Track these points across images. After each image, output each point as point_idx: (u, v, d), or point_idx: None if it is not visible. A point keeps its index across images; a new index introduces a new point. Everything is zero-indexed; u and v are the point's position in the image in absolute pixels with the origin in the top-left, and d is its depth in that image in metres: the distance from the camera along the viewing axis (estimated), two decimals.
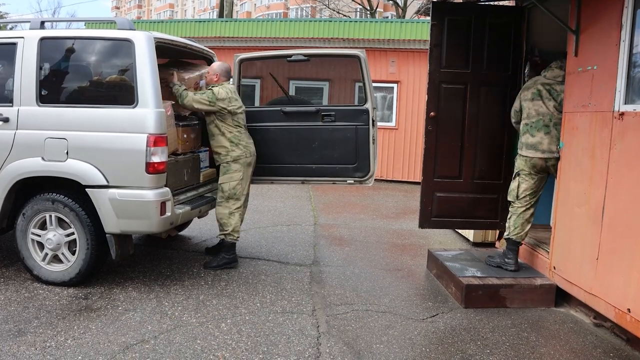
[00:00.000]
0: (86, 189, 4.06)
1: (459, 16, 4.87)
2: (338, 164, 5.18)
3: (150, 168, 4.01)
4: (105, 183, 4.04)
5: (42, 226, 4.24)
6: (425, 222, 5.12)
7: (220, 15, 15.93)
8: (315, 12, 29.05)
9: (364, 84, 5.04)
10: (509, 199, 4.59)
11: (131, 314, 3.76)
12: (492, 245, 5.74)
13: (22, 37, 4.23)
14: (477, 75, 4.91)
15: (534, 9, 4.93)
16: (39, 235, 4.23)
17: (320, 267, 5.07)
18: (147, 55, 4.05)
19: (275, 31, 11.30)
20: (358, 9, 28.30)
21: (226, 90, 4.71)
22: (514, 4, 5.23)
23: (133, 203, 4.03)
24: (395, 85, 11.18)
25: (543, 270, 4.51)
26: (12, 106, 4.19)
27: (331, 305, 4.11)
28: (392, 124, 11.31)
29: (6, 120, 4.18)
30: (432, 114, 4.92)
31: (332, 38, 11.16)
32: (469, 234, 6.02)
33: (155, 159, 4.02)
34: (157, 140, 4.03)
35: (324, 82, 10.08)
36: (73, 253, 4.19)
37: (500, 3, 5.40)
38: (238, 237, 4.94)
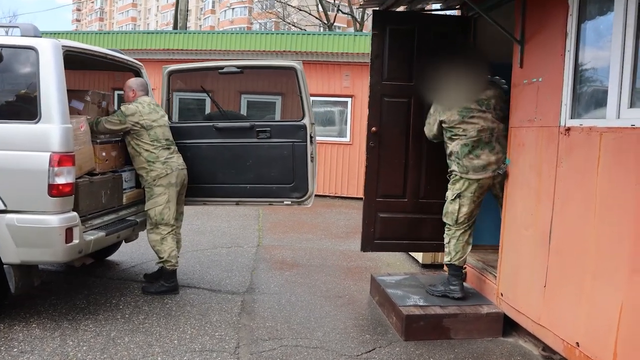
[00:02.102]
0: None
1: (402, 25, 4.58)
2: (274, 183, 4.83)
3: (54, 190, 3.57)
4: (2, 207, 3.59)
5: None
6: (368, 245, 4.78)
7: (175, 27, 15.45)
8: (279, 27, 28.85)
9: (301, 97, 4.72)
10: (445, 220, 4.26)
11: (26, 357, 3.30)
12: (442, 267, 5.44)
13: None
14: (422, 88, 4.63)
15: (480, 19, 4.68)
16: None
17: (254, 295, 4.67)
18: (53, 64, 3.63)
19: (226, 44, 10.91)
20: (319, 25, 28.16)
21: (136, 105, 4.44)
22: (459, 14, 5.00)
23: (34, 230, 3.58)
24: (349, 100, 10.83)
25: (491, 296, 4.21)
26: None
27: (258, 340, 3.72)
28: (347, 139, 10.99)
29: None
30: (373, 129, 4.60)
31: (284, 51, 10.83)
32: (419, 255, 5.72)
33: (60, 180, 3.59)
34: (63, 159, 3.61)
35: (277, 96, 9.73)
36: None
37: (447, 13, 5.15)
38: (176, 262, 4.61)
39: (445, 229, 4.28)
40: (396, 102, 4.61)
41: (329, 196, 10.94)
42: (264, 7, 22.89)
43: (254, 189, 4.85)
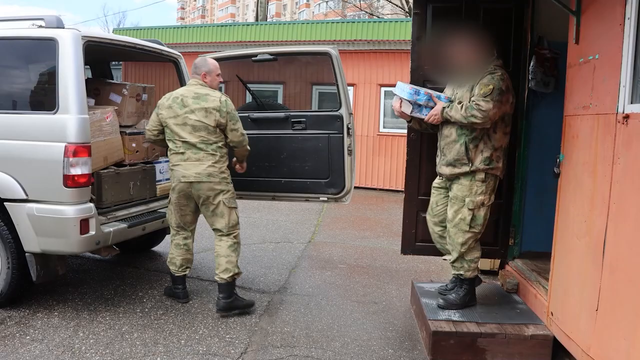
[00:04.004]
0: (4, 203, 3.69)
1: (446, 2, 4.08)
2: (309, 178, 4.53)
3: (69, 181, 3.56)
4: (24, 197, 3.65)
5: None
6: (409, 247, 4.34)
7: (256, 19, 15.65)
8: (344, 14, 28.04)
9: (337, 86, 4.36)
10: (473, 230, 3.64)
11: (33, 346, 3.32)
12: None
13: None
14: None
15: None
16: None
17: (284, 295, 4.42)
18: (72, 55, 3.61)
19: (299, 34, 10.70)
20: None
21: (164, 96, 4.03)
22: None
23: (50, 220, 3.60)
24: None
25: (541, 315, 3.60)
26: None
27: (268, 347, 3.47)
28: None
29: None
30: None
31: (355, 40, 10.35)
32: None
33: (75, 171, 3.57)
34: (78, 150, 3.58)
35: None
36: None
37: None
38: (176, 270, 4.12)
39: (466, 244, 3.69)
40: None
41: (400, 191, 10.37)
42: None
43: (289, 183, 4.60)
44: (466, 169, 3.57)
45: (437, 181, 3.91)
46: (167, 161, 4.75)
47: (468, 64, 3.63)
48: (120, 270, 4.91)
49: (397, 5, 23.66)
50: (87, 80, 4.93)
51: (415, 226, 4.28)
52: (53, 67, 3.62)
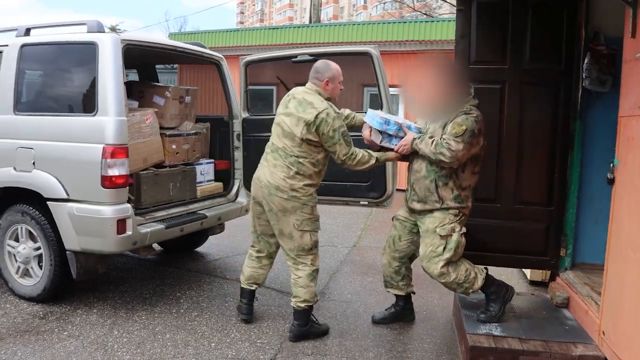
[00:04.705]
0: (47, 202, 3.81)
1: None
2: (349, 181, 4.42)
3: (107, 182, 3.62)
4: (65, 196, 3.74)
5: (18, 238, 4.07)
6: None
7: (310, 21, 15.66)
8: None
9: (379, 86, 4.23)
10: (444, 257, 3.43)
11: (69, 342, 3.39)
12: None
13: (7, 45, 4.12)
14: (518, 71, 3.83)
15: None
16: (14, 247, 4.07)
17: (322, 300, 4.31)
18: (111, 58, 3.68)
19: (351, 35, 10.59)
20: None
21: None
22: None
23: (89, 219, 3.67)
24: None
25: (592, 333, 3.31)
26: None
27: (298, 354, 3.37)
28: None
29: None
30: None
31: (406, 41, 10.14)
32: (528, 270, 4.83)
33: (113, 171, 3.63)
34: (116, 151, 3.63)
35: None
36: (42, 268, 3.97)
37: None
38: (244, 281, 3.82)
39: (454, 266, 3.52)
40: (486, 89, 3.86)
41: None
42: (413, 0, 21.90)
43: (330, 186, 4.48)
44: (437, 205, 3.45)
45: (403, 214, 3.75)
46: (208, 163, 4.81)
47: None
48: (162, 270, 4.98)
49: (453, 5, 23.08)
50: (133, 83, 5.08)
51: None
52: (94, 70, 3.70)
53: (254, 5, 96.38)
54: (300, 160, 3.44)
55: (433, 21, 10.80)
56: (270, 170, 3.50)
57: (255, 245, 3.81)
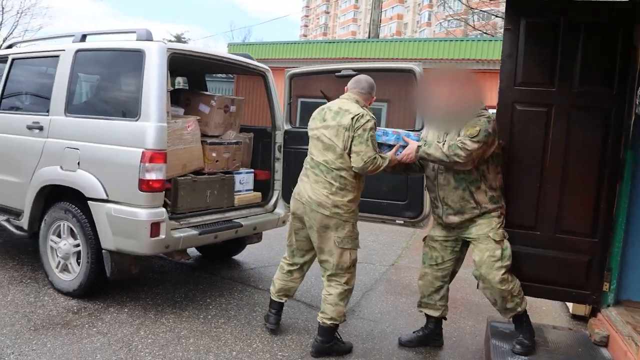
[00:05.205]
0: (88, 201, 3.95)
1: (541, 18, 3.70)
2: (386, 199, 4.35)
3: (144, 185, 3.72)
4: (105, 197, 3.87)
5: (60, 234, 4.24)
6: None
7: (369, 36, 15.69)
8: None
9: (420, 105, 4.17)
10: (505, 264, 3.43)
11: (96, 339, 3.49)
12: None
13: (64, 50, 4.34)
14: (566, 94, 3.65)
15: None
16: (56, 243, 4.24)
17: (350, 318, 4.23)
18: (156, 66, 3.80)
19: (407, 52, 10.54)
20: None
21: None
22: None
23: (124, 221, 3.78)
24: None
25: None
26: (47, 115, 4.31)
27: None
28: None
29: (41, 128, 4.30)
30: (501, 142, 3.81)
31: (464, 59, 10.00)
32: (570, 303, 4.58)
33: (150, 176, 3.73)
34: (154, 156, 3.73)
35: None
36: (79, 265, 4.12)
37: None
38: (274, 292, 3.80)
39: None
40: (531, 112, 3.72)
41: None
42: (480, 17, 21.45)
43: (366, 203, 4.43)
44: (476, 212, 3.43)
45: (439, 234, 3.67)
46: (248, 172, 4.86)
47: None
48: (197, 275, 5.06)
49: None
50: (181, 91, 5.23)
51: None
52: (139, 77, 3.83)
53: (317, 19, 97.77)
54: (342, 173, 3.41)
55: (491, 40, 10.57)
56: (312, 187, 3.46)
57: (289, 259, 3.79)
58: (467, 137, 3.30)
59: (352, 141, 3.36)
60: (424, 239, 3.80)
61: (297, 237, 3.68)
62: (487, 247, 3.40)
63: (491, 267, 3.38)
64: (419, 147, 3.43)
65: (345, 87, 3.69)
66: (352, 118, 3.38)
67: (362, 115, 3.40)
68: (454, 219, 3.51)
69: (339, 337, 3.63)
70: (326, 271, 3.56)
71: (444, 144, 3.41)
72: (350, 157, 3.38)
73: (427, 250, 3.76)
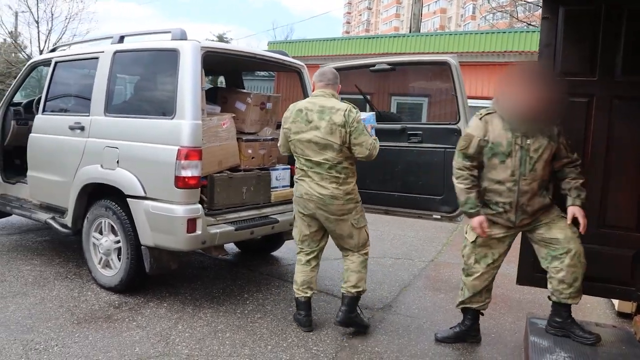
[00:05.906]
0: (127, 199, 4.06)
1: (581, 5, 3.57)
2: (422, 194, 4.31)
3: (180, 182, 3.80)
4: (143, 194, 3.98)
5: (102, 231, 4.38)
6: (525, 277, 3.86)
7: (410, 31, 15.46)
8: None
9: (457, 97, 4.11)
10: None
11: (136, 332, 3.59)
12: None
13: (103, 52, 4.47)
14: (608, 85, 3.52)
15: None
16: (98, 239, 4.38)
17: (387, 313, 4.22)
18: (191, 64, 3.86)
19: (448, 46, 10.34)
20: None
21: (288, 110, 3.79)
22: None
23: (162, 217, 3.87)
24: None
25: None
26: (88, 116, 4.46)
27: None
28: None
29: (82, 128, 4.45)
30: None
31: (506, 52, 9.73)
32: (616, 300, 4.40)
33: (186, 173, 3.80)
34: (190, 153, 3.81)
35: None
36: (120, 261, 4.24)
37: None
38: (299, 290, 3.81)
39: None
40: (571, 102, 3.61)
41: None
42: (525, 9, 20.82)
43: (402, 198, 4.43)
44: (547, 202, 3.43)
45: (499, 231, 3.51)
46: (285, 168, 4.89)
47: None
48: (235, 270, 5.13)
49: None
50: (218, 89, 5.31)
51: (533, 254, 3.80)
52: (175, 75, 3.90)
53: (360, 15, 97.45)
54: (344, 164, 3.62)
55: (534, 32, 10.27)
56: (319, 184, 3.61)
57: (305, 248, 3.88)
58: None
59: (350, 135, 3.54)
60: (474, 241, 3.58)
61: (310, 228, 3.81)
62: (566, 224, 3.36)
63: (578, 242, 3.33)
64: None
65: (312, 83, 3.85)
66: (344, 115, 3.54)
67: (350, 109, 3.58)
68: (528, 220, 3.44)
69: (359, 310, 3.84)
70: (348, 252, 3.83)
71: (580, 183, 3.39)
72: (349, 149, 3.58)
73: (481, 251, 3.57)
